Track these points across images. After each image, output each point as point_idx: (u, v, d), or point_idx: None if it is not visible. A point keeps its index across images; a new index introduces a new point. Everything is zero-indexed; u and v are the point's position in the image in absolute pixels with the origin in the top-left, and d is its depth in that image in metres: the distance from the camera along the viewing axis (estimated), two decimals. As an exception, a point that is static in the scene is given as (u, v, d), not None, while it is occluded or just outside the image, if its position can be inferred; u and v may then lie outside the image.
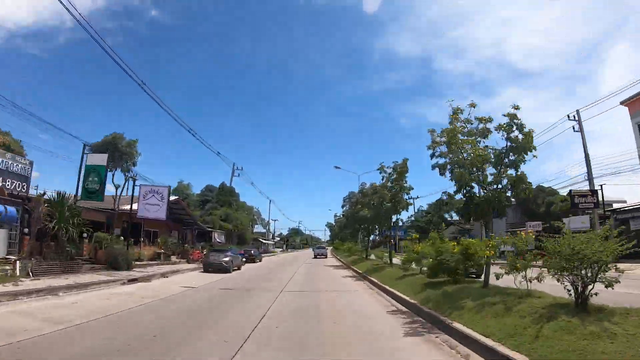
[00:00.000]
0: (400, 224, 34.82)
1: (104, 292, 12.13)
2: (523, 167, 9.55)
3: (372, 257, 28.01)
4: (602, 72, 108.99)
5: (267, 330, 6.77)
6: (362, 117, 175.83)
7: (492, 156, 9.62)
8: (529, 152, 9.50)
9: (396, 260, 20.32)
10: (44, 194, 17.72)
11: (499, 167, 9.62)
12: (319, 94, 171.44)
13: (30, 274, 13.11)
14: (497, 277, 8.06)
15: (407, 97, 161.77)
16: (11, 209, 15.11)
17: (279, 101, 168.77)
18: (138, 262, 21.15)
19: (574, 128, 27.85)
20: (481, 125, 10.28)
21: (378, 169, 20.44)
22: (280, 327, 7.02)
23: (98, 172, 17.12)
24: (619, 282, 5.50)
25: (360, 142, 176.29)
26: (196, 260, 24.87)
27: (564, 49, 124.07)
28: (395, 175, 19.46)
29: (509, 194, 9.87)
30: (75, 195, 17.27)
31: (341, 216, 60.42)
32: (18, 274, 12.63)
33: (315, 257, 46.73)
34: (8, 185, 15.92)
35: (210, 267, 20.64)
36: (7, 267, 12.91)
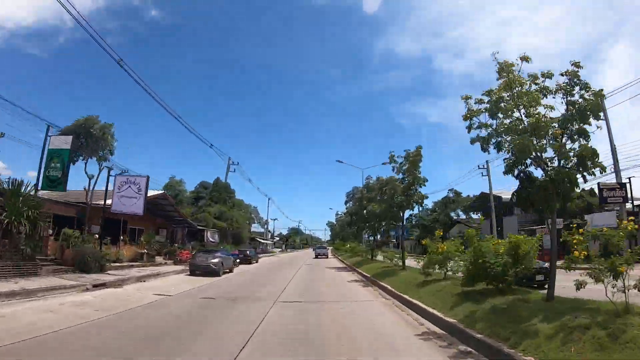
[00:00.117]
0: (407, 221, 32.30)
1: (52, 302, 9.64)
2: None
3: (379, 258, 25.51)
4: (602, 72, 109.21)
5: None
6: (362, 117, 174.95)
7: (557, 121, 7.13)
8: (596, 118, 7.05)
9: (408, 262, 17.87)
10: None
11: (564, 137, 7.13)
12: (319, 93, 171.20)
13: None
14: (579, 287, 5.64)
15: (407, 97, 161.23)
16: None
17: (278, 100, 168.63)
18: (116, 264, 18.69)
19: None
20: (534, 87, 7.82)
21: (388, 159, 17.91)
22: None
23: (61, 157, 14.65)
24: None
25: (360, 142, 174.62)
26: (184, 262, 22.34)
27: (564, 49, 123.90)
28: (407, 165, 16.96)
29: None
30: (36, 185, 14.75)
31: (343, 215, 58.07)
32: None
33: (316, 257, 46.20)
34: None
35: (197, 270, 18.16)
36: None
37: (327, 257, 49.52)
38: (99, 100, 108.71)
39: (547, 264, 10.62)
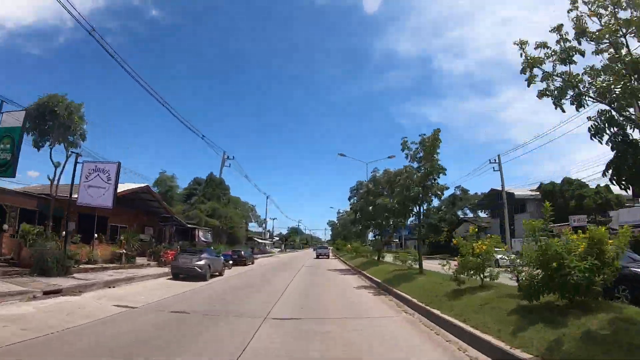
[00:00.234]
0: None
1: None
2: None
3: (388, 259, 23.10)
4: None
5: None
6: (362, 117, 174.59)
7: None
8: None
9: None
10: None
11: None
12: (319, 93, 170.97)
13: None
14: None
15: (407, 97, 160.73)
16: None
17: (278, 100, 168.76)
18: (88, 266, 16.34)
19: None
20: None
21: (400, 145, 15.47)
22: None
23: (11, 137, 12.24)
24: None
25: (361, 142, 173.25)
26: (169, 263, 19.92)
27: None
28: (423, 153, 14.54)
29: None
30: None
31: (344, 213, 55.49)
32: None
33: (317, 257, 46.01)
34: None
35: (180, 273, 15.75)
36: None
37: (329, 258, 48.25)
38: (99, 100, 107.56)
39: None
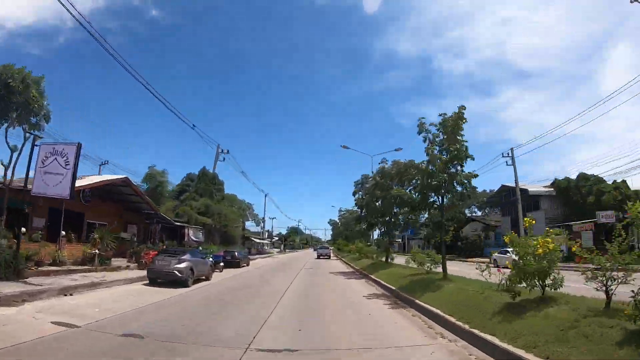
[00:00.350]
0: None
1: None
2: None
3: (398, 261, 20.73)
4: (603, 72, 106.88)
5: None
6: (362, 117, 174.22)
7: None
8: None
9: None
10: None
11: None
12: (319, 93, 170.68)
13: None
14: None
15: (407, 97, 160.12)
16: None
17: (278, 100, 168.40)
18: (52, 268, 14.04)
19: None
20: None
21: (417, 128, 13.09)
22: None
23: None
24: None
25: (361, 142, 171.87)
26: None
27: (564, 49, 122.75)
28: (445, 135, 12.17)
29: None
30: None
31: (346, 212, 53.05)
32: None
33: (318, 257, 45.62)
34: None
35: (158, 278, 13.41)
36: None
37: (330, 258, 46.48)
38: (98, 100, 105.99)
39: None
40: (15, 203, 14.53)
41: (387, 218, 20.52)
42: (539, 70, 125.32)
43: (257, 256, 43.57)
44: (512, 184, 37.23)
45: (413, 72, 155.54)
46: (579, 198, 36.90)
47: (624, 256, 5.49)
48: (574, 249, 6.45)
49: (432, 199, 11.86)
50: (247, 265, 25.88)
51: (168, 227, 25.76)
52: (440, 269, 13.36)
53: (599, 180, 36.55)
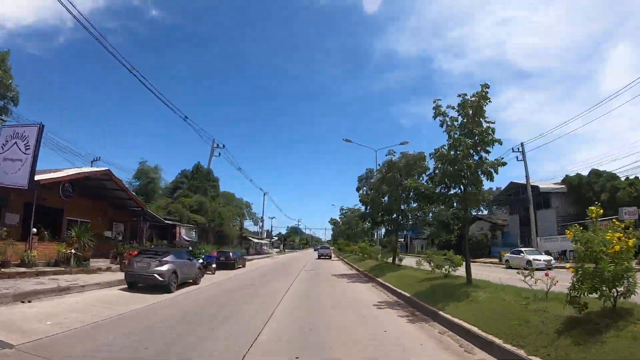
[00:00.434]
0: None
1: None
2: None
3: (407, 262, 19.08)
4: (603, 72, 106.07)
5: None
6: (362, 117, 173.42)
7: None
8: None
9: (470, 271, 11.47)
10: None
11: None
12: (319, 93, 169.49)
13: None
14: None
15: (407, 97, 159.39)
16: None
17: (279, 100, 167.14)
18: (19, 269, 12.55)
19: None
20: None
21: (433, 110, 11.40)
22: None
23: None
24: None
25: (361, 141, 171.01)
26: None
27: (564, 49, 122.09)
28: (465, 119, 10.50)
29: None
30: None
31: (347, 210, 51.35)
32: None
33: (319, 257, 45.30)
34: None
35: (136, 282, 11.77)
36: None
37: (330, 259, 45.02)
38: (97, 100, 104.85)
39: None
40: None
41: (394, 215, 18.82)
42: (539, 70, 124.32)
43: (255, 257, 41.89)
44: (521, 181, 35.59)
45: (413, 72, 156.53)
46: (591, 195, 35.19)
47: None
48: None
49: (453, 191, 10.15)
50: (243, 266, 24.20)
51: (158, 226, 24.08)
52: (458, 272, 11.72)
53: (612, 176, 34.85)
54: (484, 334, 5.72)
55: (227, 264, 21.37)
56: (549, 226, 35.40)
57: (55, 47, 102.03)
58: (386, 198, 18.78)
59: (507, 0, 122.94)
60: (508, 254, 25.21)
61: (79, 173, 16.78)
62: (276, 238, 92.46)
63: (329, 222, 65.59)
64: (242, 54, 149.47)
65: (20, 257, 13.20)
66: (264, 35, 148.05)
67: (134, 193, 21.27)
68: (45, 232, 14.96)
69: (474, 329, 6.06)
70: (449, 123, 10.98)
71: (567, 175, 37.30)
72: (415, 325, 7.26)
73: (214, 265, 18.72)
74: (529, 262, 23.28)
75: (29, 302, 9.20)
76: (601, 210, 5.70)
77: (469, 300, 7.82)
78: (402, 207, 18.47)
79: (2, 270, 11.82)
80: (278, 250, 74.02)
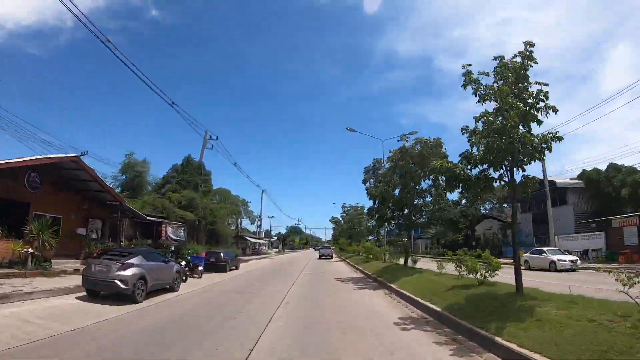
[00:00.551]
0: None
1: None
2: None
3: (422, 265, 16.80)
4: (603, 72, 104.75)
5: None
6: (362, 117, 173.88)
7: None
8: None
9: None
10: None
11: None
12: (319, 93, 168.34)
13: None
14: None
15: (407, 97, 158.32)
16: None
17: (278, 100, 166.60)
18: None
19: None
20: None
21: (462, 78, 9.07)
22: None
23: None
24: None
25: (361, 141, 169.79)
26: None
27: (564, 49, 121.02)
28: (504, 83, 8.19)
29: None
30: None
31: (350, 208, 48.94)
32: None
33: (320, 257, 44.41)
34: None
35: (96, 289, 9.53)
36: None
37: (332, 259, 43.24)
38: (97, 100, 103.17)
39: None
40: None
41: (406, 211, 16.53)
42: (539, 70, 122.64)
43: (252, 257, 39.62)
44: (536, 176, 33.30)
45: (413, 72, 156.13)
46: (610, 191, 32.93)
47: None
48: None
49: (497, 173, 7.80)
50: (237, 268, 21.90)
51: (142, 224, 21.79)
52: (495, 279, 9.46)
53: (633, 170, 32.51)
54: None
55: (217, 266, 19.08)
56: (566, 224, 33.12)
57: (56, 47, 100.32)
58: (397, 191, 16.51)
59: (507, 0, 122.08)
60: (527, 255, 22.88)
61: (43, 158, 14.51)
62: (275, 238, 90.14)
63: (330, 220, 63.43)
64: (242, 54, 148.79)
65: (-40, 259, 10.95)
66: (264, 35, 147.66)
67: (109, 185, 18.99)
68: (0, 229, 12.72)
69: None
70: (482, 92, 8.69)
71: (584, 170, 35.04)
72: (464, 360, 4.96)
73: (200, 268, 16.43)
74: (552, 263, 21.02)
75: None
76: None
77: (534, 320, 5.55)
78: (415, 201, 16.20)
79: None
80: (277, 250, 71.70)
